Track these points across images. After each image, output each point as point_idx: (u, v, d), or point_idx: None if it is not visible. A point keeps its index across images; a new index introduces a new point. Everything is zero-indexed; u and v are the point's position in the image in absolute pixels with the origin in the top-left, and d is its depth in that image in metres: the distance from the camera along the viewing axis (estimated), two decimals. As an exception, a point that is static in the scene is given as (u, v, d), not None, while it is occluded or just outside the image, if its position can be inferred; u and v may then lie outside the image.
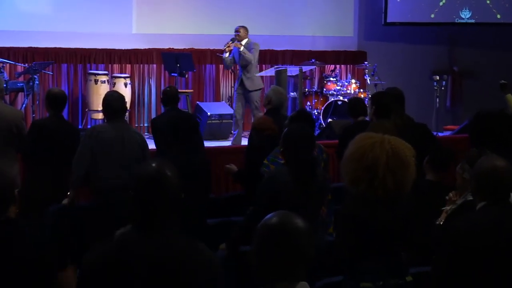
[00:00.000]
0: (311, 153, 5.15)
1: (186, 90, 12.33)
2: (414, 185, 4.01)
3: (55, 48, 12.10)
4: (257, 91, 11.13)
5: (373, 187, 3.84)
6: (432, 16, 13.98)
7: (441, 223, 4.86)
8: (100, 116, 10.99)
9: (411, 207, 4.06)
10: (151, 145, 7.10)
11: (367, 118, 7.47)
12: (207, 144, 8.74)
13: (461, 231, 3.77)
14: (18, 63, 11.48)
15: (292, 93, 12.56)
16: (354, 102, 8.00)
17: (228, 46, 11.16)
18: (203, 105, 12.18)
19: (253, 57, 10.97)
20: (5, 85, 9.97)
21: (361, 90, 12.94)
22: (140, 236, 2.92)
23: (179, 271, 2.90)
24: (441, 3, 13.94)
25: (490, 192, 3.81)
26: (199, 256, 2.96)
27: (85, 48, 12.32)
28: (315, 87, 13.44)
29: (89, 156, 6.27)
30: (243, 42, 11.08)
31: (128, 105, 11.74)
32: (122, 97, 6.54)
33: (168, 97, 7.74)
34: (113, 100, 6.46)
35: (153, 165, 3.01)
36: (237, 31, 11.14)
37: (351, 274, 3.98)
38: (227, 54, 11.21)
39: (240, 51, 10.95)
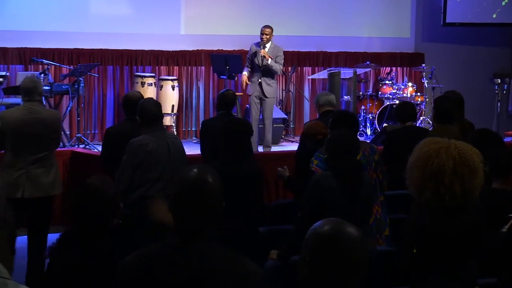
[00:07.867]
0: (354, 158, 5.21)
1: (236, 93, 11.90)
2: (481, 195, 3.84)
3: (101, 49, 11.91)
4: (273, 99, 10.73)
5: (440, 195, 3.68)
6: (494, 16, 13.81)
7: (505, 230, 4.59)
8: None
9: (480, 216, 3.90)
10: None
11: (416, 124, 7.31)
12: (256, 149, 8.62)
13: None
14: (63, 65, 11.29)
15: (346, 97, 12.35)
16: (402, 106, 7.89)
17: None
18: (253, 108, 11.83)
19: (280, 68, 10.51)
20: (49, 87, 9.82)
21: (418, 94, 12.74)
22: (177, 245, 2.84)
23: (216, 283, 2.79)
24: (503, 3, 13.77)
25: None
26: (239, 268, 2.84)
27: (131, 50, 12.13)
28: (370, 91, 13.26)
29: (131, 171, 6.07)
30: (267, 45, 10.46)
31: (175, 108, 11.58)
32: (158, 103, 6.44)
33: (225, 101, 7.61)
34: (150, 106, 6.26)
35: (194, 170, 2.91)
36: (264, 33, 10.46)
37: None
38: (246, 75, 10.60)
39: (268, 64, 10.36)
